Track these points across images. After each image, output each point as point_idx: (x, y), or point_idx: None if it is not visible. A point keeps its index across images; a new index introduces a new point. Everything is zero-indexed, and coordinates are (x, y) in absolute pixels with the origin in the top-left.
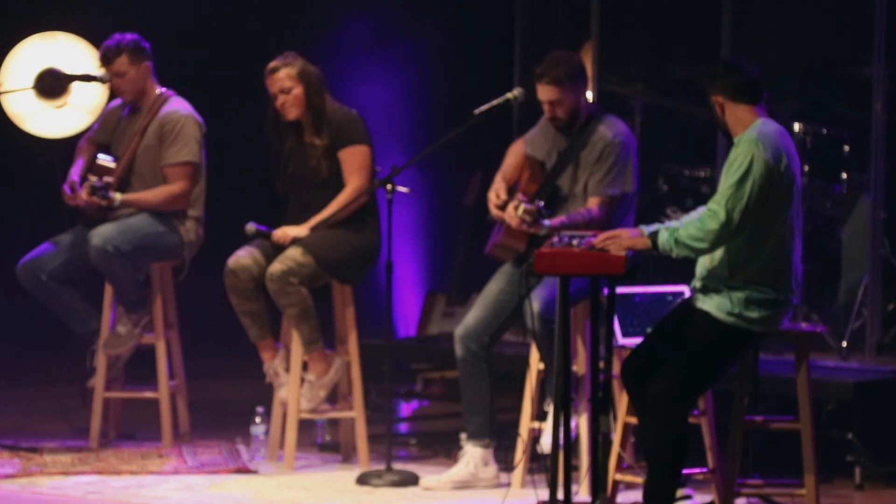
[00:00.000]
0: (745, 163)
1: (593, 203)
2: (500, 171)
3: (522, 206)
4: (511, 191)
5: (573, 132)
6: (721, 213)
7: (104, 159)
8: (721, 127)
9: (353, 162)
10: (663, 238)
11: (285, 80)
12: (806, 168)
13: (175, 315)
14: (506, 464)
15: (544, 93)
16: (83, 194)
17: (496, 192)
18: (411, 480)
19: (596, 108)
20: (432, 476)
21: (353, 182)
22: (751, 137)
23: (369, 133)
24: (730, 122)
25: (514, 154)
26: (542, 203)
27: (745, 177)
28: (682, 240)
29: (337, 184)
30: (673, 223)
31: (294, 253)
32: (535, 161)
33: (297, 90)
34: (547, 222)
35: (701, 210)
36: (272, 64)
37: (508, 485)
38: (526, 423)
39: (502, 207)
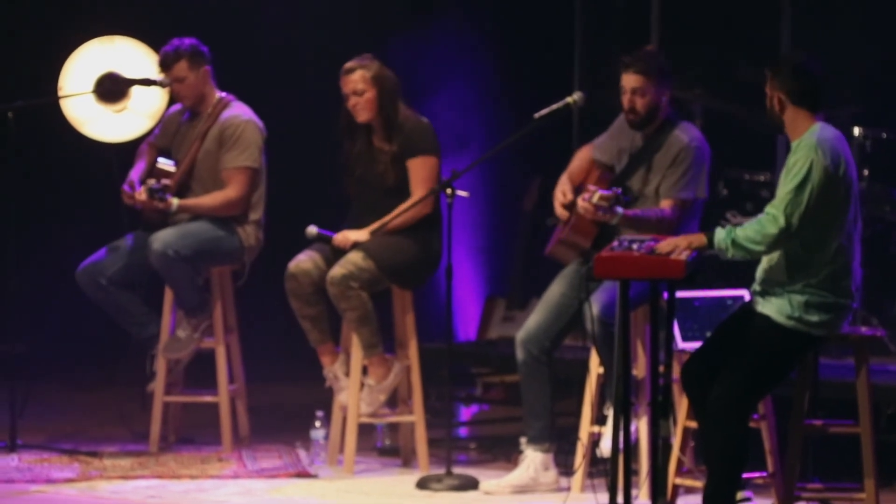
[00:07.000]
0: (804, 168)
1: (666, 205)
2: (565, 171)
3: (598, 194)
4: (577, 191)
5: (648, 133)
6: (780, 217)
7: (164, 163)
8: (773, 121)
9: (421, 173)
10: (720, 237)
11: (359, 82)
12: (865, 172)
13: (235, 319)
14: (565, 468)
15: (629, 81)
16: (142, 196)
17: (562, 190)
18: (471, 485)
19: (673, 114)
20: (492, 480)
21: (419, 193)
22: (810, 143)
23: (439, 144)
24: (787, 122)
25: (582, 158)
26: (619, 189)
27: (804, 182)
28: (738, 241)
29: (403, 192)
30: None
31: (355, 257)
32: (603, 165)
33: (370, 93)
34: (620, 210)
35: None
36: (349, 64)
37: (568, 489)
38: (585, 427)
39: (568, 207)
